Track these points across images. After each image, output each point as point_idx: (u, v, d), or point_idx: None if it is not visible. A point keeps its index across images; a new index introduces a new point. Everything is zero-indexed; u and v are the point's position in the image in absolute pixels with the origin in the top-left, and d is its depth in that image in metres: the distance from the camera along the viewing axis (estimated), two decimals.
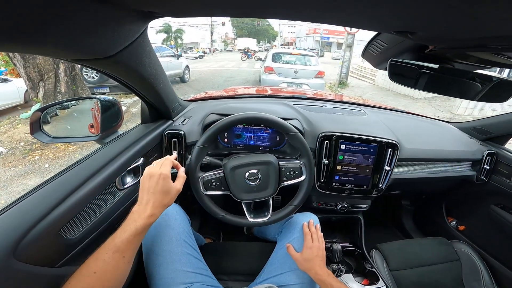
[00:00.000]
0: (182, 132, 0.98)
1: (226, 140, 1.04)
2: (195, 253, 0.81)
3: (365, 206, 1.21)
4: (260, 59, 15.37)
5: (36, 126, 0.78)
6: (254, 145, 1.05)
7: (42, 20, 0.33)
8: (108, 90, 6.06)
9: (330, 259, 1.10)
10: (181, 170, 0.72)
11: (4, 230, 0.44)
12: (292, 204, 0.88)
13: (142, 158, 0.84)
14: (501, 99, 0.61)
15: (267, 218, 0.85)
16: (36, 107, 4.51)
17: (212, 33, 39.61)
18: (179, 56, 8.60)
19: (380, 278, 1.05)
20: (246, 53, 21.20)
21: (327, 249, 0.98)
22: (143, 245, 0.78)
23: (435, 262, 1.15)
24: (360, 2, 0.32)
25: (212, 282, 0.80)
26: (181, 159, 1.00)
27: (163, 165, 0.65)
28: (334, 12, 0.38)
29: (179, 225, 0.82)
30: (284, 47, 31.71)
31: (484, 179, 1.22)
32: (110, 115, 0.87)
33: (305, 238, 0.87)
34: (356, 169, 1.05)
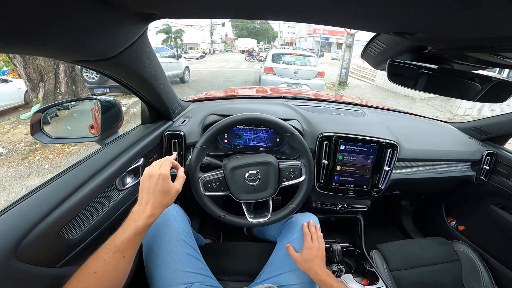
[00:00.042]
0: (182, 133, 0.98)
1: (226, 140, 1.04)
2: (195, 253, 0.82)
3: (364, 206, 1.21)
4: (261, 60, 15.41)
5: (37, 126, 0.78)
6: (254, 145, 1.05)
7: (42, 21, 0.33)
8: (108, 90, 6.06)
9: (330, 259, 1.10)
10: (181, 171, 0.72)
11: (5, 230, 0.44)
12: (291, 205, 0.88)
13: (142, 159, 0.84)
14: (500, 99, 0.61)
15: (267, 218, 0.86)
16: (36, 107, 4.51)
17: (212, 34, 39.65)
18: (179, 56, 8.60)
19: (380, 278, 1.06)
20: (250, 53, 21.33)
21: (327, 249, 0.98)
22: (144, 245, 0.78)
23: (435, 262, 1.15)
24: (358, 4, 0.33)
25: (212, 282, 0.80)
26: (181, 159, 1.00)
27: (163, 165, 0.65)
28: (332, 13, 0.38)
29: (179, 225, 0.83)
30: (284, 48, 31.75)
31: (484, 179, 1.23)
32: (110, 116, 0.87)
33: (304, 239, 0.87)
34: (355, 170, 1.05)
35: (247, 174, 0.83)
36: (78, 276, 0.49)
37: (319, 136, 1.02)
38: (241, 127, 1.03)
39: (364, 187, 1.08)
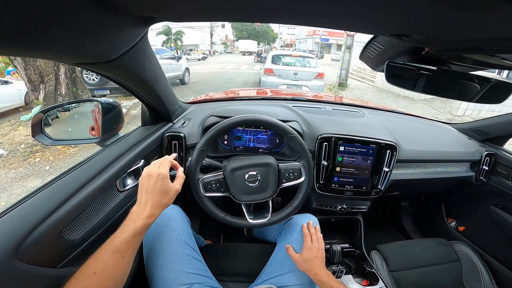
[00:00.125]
0: (182, 134, 0.99)
1: (226, 142, 1.04)
2: (195, 254, 0.82)
3: (364, 207, 1.21)
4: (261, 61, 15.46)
5: (38, 128, 0.78)
6: (253, 147, 1.05)
7: (45, 25, 0.33)
8: (108, 92, 6.07)
9: (330, 260, 1.11)
10: (180, 170, 0.71)
11: (7, 231, 0.45)
12: (291, 205, 0.89)
13: (142, 160, 0.84)
14: (498, 100, 0.62)
15: (266, 219, 0.86)
16: (36, 109, 4.53)
17: (212, 35, 39.74)
18: (179, 58, 8.61)
19: (380, 279, 1.06)
20: (259, 55, 21.39)
21: (326, 250, 0.99)
22: (144, 246, 0.79)
23: (435, 262, 1.15)
24: (355, 7, 0.33)
25: (212, 283, 0.80)
26: (181, 161, 1.01)
27: (162, 165, 0.64)
28: (330, 16, 0.39)
29: (179, 226, 0.83)
30: (284, 49, 31.81)
31: (483, 180, 1.23)
32: (111, 118, 0.88)
33: (304, 239, 0.87)
34: (355, 171, 1.05)
35: (247, 175, 0.84)
36: (78, 277, 0.49)
37: (319, 137, 1.02)
38: (241, 128, 1.03)
39: (364, 188, 1.08)
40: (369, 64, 0.76)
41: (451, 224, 1.48)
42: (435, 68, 0.56)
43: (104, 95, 5.96)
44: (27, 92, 4.96)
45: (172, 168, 0.69)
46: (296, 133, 0.87)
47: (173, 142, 0.99)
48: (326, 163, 1.03)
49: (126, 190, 0.77)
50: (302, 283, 0.81)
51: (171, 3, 0.38)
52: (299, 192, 0.89)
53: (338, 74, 9.35)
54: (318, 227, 0.93)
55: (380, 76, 9.85)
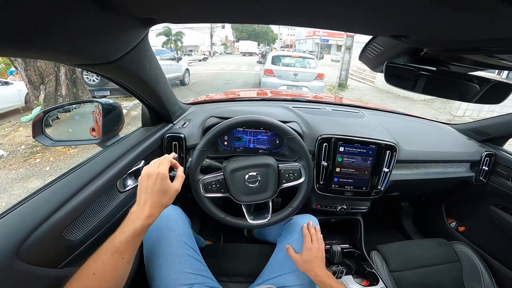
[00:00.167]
0: (182, 135, 0.99)
1: (226, 143, 1.04)
2: (195, 254, 0.82)
3: (364, 207, 1.22)
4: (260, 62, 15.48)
5: (38, 129, 0.79)
6: (253, 147, 1.06)
7: (45, 26, 0.34)
8: (108, 93, 6.08)
9: (330, 261, 1.11)
10: (180, 170, 0.70)
11: (8, 231, 0.45)
12: (291, 206, 0.89)
13: (143, 161, 0.85)
14: (497, 100, 0.62)
15: (266, 219, 0.86)
16: (37, 110, 4.53)
17: (212, 36, 39.79)
18: (179, 59, 8.63)
19: (380, 279, 1.06)
20: (264, 56, 21.50)
21: (326, 251, 0.99)
22: (144, 246, 0.79)
23: (435, 263, 1.15)
24: (355, 8, 0.34)
25: (212, 283, 0.80)
26: (182, 161, 1.01)
27: (161, 164, 0.64)
28: (329, 17, 0.39)
29: (179, 227, 0.83)
30: (284, 50, 31.84)
31: (483, 180, 1.23)
32: (111, 119, 0.88)
33: (304, 240, 0.87)
34: (355, 171, 1.06)
35: (247, 176, 0.84)
36: (77, 277, 0.49)
37: (318, 138, 1.03)
38: (241, 129, 1.03)
39: (364, 188, 1.08)
40: (368, 65, 0.76)
41: (451, 224, 1.48)
42: (434, 68, 0.56)
43: (104, 96, 5.97)
44: (28, 93, 4.96)
45: (172, 168, 0.69)
46: (296, 133, 0.88)
47: (173, 143, 0.99)
48: (326, 163, 1.03)
49: (126, 191, 0.77)
50: (302, 283, 0.81)
51: (171, 5, 0.38)
52: (299, 192, 0.89)
53: (338, 75, 9.36)
54: (318, 227, 0.93)
55: (380, 77, 9.81)
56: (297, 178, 0.87)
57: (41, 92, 4.47)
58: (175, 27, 28.44)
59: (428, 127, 1.39)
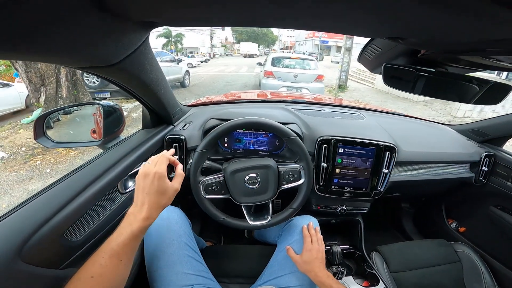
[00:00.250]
0: (182, 137, 1.00)
1: (226, 144, 1.05)
2: (196, 255, 0.82)
3: (364, 208, 1.22)
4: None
5: (40, 131, 0.79)
6: (253, 149, 1.06)
7: (48, 30, 0.34)
8: (109, 95, 6.09)
9: (330, 262, 1.11)
10: (179, 168, 0.66)
11: (10, 232, 0.46)
12: (291, 207, 0.89)
13: (143, 163, 0.85)
14: (496, 101, 0.62)
15: (267, 221, 0.87)
16: (37, 112, 4.54)
17: (212, 38, 39.90)
18: (179, 60, 8.64)
19: (380, 280, 1.06)
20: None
21: (327, 252, 0.99)
22: (145, 247, 0.79)
23: (436, 263, 1.15)
24: (352, 11, 0.34)
25: (213, 284, 0.80)
26: (182, 163, 1.01)
27: (159, 162, 0.60)
28: (326, 20, 0.40)
29: (180, 228, 0.84)
30: (283, 51, 31.91)
31: (483, 180, 1.23)
32: (112, 121, 0.89)
33: (304, 241, 0.87)
34: (354, 172, 1.06)
35: (247, 177, 0.84)
36: (75, 281, 0.48)
37: (318, 139, 1.03)
38: (241, 131, 1.04)
39: (363, 189, 1.09)
40: (367, 66, 0.76)
41: (451, 225, 1.48)
42: (433, 70, 0.56)
43: (105, 98, 5.99)
44: (28, 95, 4.98)
45: (172, 167, 0.67)
46: (296, 135, 0.88)
47: (174, 144, 0.99)
48: (325, 165, 1.04)
49: (127, 192, 0.78)
50: (302, 284, 0.81)
51: (172, 9, 0.39)
52: (299, 193, 0.90)
53: (337, 76, 9.37)
54: (318, 228, 0.94)
55: (380, 78, 9.63)
56: (297, 179, 0.88)
57: (42, 94, 4.48)
58: (175, 29, 28.49)
59: (428, 128, 1.39)
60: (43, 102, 4.49)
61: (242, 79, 11.56)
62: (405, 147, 1.11)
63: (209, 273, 0.84)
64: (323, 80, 6.00)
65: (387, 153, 1.04)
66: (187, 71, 9.11)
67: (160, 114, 0.99)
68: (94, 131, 0.91)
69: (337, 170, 1.05)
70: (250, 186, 0.85)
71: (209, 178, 0.84)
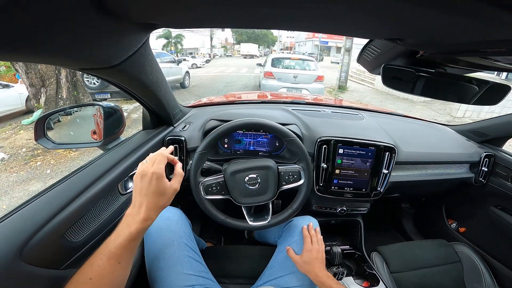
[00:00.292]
0: (183, 138, 1.00)
1: (226, 145, 1.05)
2: (196, 256, 0.83)
3: (364, 209, 1.22)
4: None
5: (40, 132, 0.80)
6: (253, 150, 1.06)
7: (48, 31, 0.35)
8: (109, 96, 6.10)
9: (330, 262, 1.11)
10: (178, 167, 0.64)
11: (11, 233, 0.46)
12: (291, 208, 0.89)
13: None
14: (494, 101, 0.62)
15: (267, 221, 0.87)
16: (38, 113, 4.55)
17: (212, 39, 39.94)
18: (179, 61, 8.66)
19: (380, 280, 1.06)
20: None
21: (327, 252, 0.99)
22: (145, 248, 0.79)
23: (436, 264, 1.15)
24: (350, 12, 0.34)
25: (213, 285, 0.80)
26: (182, 164, 1.01)
27: (156, 161, 0.57)
28: (324, 22, 0.40)
29: (180, 228, 0.84)
30: (283, 52, 31.95)
31: (483, 181, 1.23)
32: (112, 122, 0.89)
33: (304, 241, 0.88)
34: (354, 173, 1.06)
35: (247, 178, 0.84)
36: (74, 281, 0.47)
37: (318, 140, 1.03)
38: (241, 132, 1.04)
39: (363, 190, 1.09)
40: (366, 67, 0.77)
41: (451, 225, 1.48)
42: (433, 70, 0.57)
43: (105, 99, 6.00)
44: (28, 96, 4.98)
45: (172, 167, 0.66)
46: (295, 136, 0.88)
47: (173, 145, 1.00)
48: (325, 165, 1.04)
49: (128, 193, 0.78)
50: (303, 284, 0.81)
51: (172, 11, 0.39)
52: (299, 194, 0.90)
53: (337, 77, 9.37)
54: (318, 229, 0.94)
55: (380, 79, 9.82)
56: (296, 180, 0.88)
57: (42, 95, 4.49)
58: (175, 30, 28.52)
59: (427, 129, 1.40)
60: (44, 103, 4.50)
61: (242, 80, 11.57)
62: (404, 148, 1.11)
63: (209, 274, 0.84)
64: (323, 80, 6.01)
65: (387, 153, 1.04)
66: (187, 72, 9.12)
67: (160, 115, 0.99)
68: (94, 132, 0.91)
69: (337, 171, 1.05)
70: (250, 187, 0.85)
71: (209, 179, 0.85)
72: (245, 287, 0.89)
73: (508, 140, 1.31)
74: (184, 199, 1.32)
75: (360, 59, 0.75)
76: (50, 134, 0.82)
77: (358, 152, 1.04)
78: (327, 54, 40.49)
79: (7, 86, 5.59)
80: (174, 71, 8.07)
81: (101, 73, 0.57)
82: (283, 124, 0.91)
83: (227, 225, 0.86)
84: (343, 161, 1.04)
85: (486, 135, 1.29)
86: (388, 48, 0.58)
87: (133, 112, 5.54)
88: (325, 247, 0.91)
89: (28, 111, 5.52)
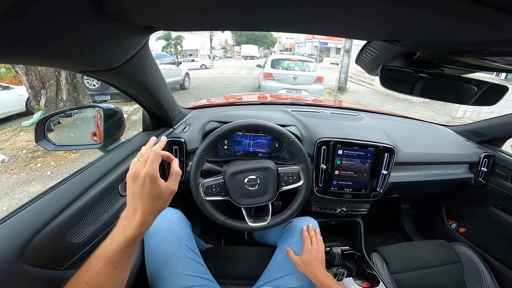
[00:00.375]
0: (182, 140, 1.00)
1: (226, 147, 1.05)
2: (196, 257, 0.83)
3: (364, 210, 1.22)
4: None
5: (41, 134, 0.80)
6: (253, 151, 1.06)
7: (48, 34, 0.35)
8: (109, 97, 6.11)
9: (330, 263, 1.11)
10: (175, 164, 0.57)
11: (12, 234, 0.46)
12: (290, 209, 0.90)
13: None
14: (492, 102, 0.63)
15: (266, 222, 0.87)
16: (38, 114, 4.55)
17: (211, 40, 40.03)
18: (179, 63, 8.67)
19: (380, 281, 1.06)
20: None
21: (327, 253, 0.99)
22: (145, 249, 0.80)
23: (436, 264, 1.15)
24: (348, 14, 0.35)
25: (213, 286, 0.81)
26: (182, 166, 1.02)
27: (149, 161, 0.51)
28: (321, 24, 0.40)
29: (180, 229, 0.84)
30: (283, 53, 31.99)
31: (482, 181, 1.24)
32: (112, 123, 0.89)
33: (304, 242, 0.88)
34: (353, 174, 1.06)
35: (246, 179, 0.85)
36: (72, 285, 0.46)
37: (317, 141, 1.04)
38: (241, 133, 1.04)
39: (363, 190, 1.09)
40: (365, 68, 0.77)
41: (451, 225, 1.48)
42: (431, 71, 0.57)
43: (105, 101, 6.00)
44: (28, 97, 4.99)
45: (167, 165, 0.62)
46: (295, 137, 0.89)
47: (173, 147, 1.00)
48: (325, 166, 1.04)
49: None
50: (302, 285, 0.82)
51: (171, 14, 0.40)
52: (298, 195, 0.90)
53: (337, 78, 9.38)
54: (318, 229, 0.94)
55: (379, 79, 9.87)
56: (296, 181, 0.88)
57: (42, 96, 4.49)
58: (175, 32, 28.53)
59: (426, 129, 1.40)
60: (44, 104, 4.50)
61: (242, 81, 11.58)
62: (404, 148, 1.11)
63: (209, 275, 0.84)
64: (323, 82, 6.02)
65: (386, 154, 1.04)
66: (187, 74, 9.14)
67: (160, 117, 1.00)
68: (94, 134, 0.91)
69: (336, 172, 1.06)
70: (250, 188, 0.85)
71: (209, 180, 0.85)
72: None
73: (508, 140, 1.32)
74: (185, 201, 1.32)
75: (358, 60, 0.75)
76: (50, 136, 0.83)
77: (357, 153, 1.04)
78: (327, 55, 40.57)
79: (7, 87, 5.60)
80: (174, 73, 8.08)
81: (101, 75, 0.58)
82: (283, 126, 0.91)
83: (227, 226, 0.86)
84: (343, 162, 1.05)
85: (485, 136, 1.29)
86: (386, 49, 0.58)
87: (133, 113, 5.55)
88: (325, 247, 0.91)
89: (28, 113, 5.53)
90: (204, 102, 1.62)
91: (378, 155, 1.04)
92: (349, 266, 1.22)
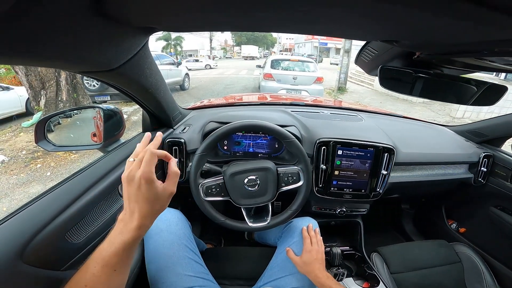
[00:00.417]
0: (182, 140, 1.00)
1: (225, 147, 1.06)
2: (196, 257, 0.83)
3: (363, 210, 1.22)
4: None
5: (41, 134, 0.80)
6: (253, 152, 1.07)
7: (48, 35, 0.35)
8: (108, 98, 6.11)
9: (330, 263, 1.11)
10: (173, 164, 0.54)
11: (12, 234, 0.46)
12: (290, 209, 0.90)
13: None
14: (491, 102, 0.63)
15: (266, 222, 0.87)
16: (38, 115, 4.55)
17: (211, 41, 40.04)
18: (178, 63, 8.68)
19: (380, 281, 1.06)
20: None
21: (327, 253, 0.99)
22: (145, 249, 0.80)
23: (436, 264, 1.15)
24: (347, 14, 0.35)
25: (213, 286, 0.81)
26: (182, 166, 1.02)
27: (144, 162, 0.48)
28: (322, 24, 0.40)
29: (180, 230, 0.84)
30: (282, 53, 31.99)
31: (482, 181, 1.24)
32: (112, 124, 0.89)
33: (304, 242, 0.88)
34: (353, 174, 1.06)
35: (246, 180, 0.85)
36: (71, 287, 0.45)
37: (317, 141, 1.04)
38: (241, 134, 1.05)
39: (363, 191, 1.09)
40: (364, 68, 0.77)
41: (451, 226, 1.48)
42: (431, 71, 0.57)
43: (105, 101, 6.01)
44: (28, 98, 4.98)
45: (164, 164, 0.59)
46: (294, 137, 0.89)
47: (173, 147, 1.00)
48: (324, 167, 1.04)
49: None
50: (302, 285, 0.82)
51: (171, 15, 0.40)
52: (298, 195, 0.90)
53: (337, 78, 9.39)
54: (317, 230, 0.94)
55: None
56: (296, 181, 0.88)
57: (42, 97, 4.49)
58: (174, 32, 28.53)
59: (426, 129, 1.40)
60: (43, 105, 4.50)
61: (241, 81, 11.58)
62: (403, 149, 1.11)
63: (209, 275, 0.84)
64: (323, 82, 6.02)
65: (386, 154, 1.04)
66: (187, 74, 9.14)
67: (159, 118, 1.00)
68: (94, 135, 0.91)
69: (336, 172, 1.06)
70: (250, 188, 0.85)
71: (209, 181, 0.85)
72: None
73: (508, 140, 1.32)
74: (185, 201, 1.32)
75: (358, 61, 0.75)
76: (50, 136, 0.83)
77: (357, 153, 1.04)
78: (327, 56, 40.60)
79: (7, 88, 5.60)
80: (173, 73, 8.08)
81: (100, 76, 0.58)
82: (282, 126, 0.91)
83: (227, 226, 0.86)
84: (342, 162, 1.05)
85: (485, 136, 1.29)
86: (385, 49, 0.58)
87: (133, 114, 5.55)
88: (325, 248, 0.91)
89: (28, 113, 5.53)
90: (204, 102, 1.62)
91: (377, 155, 1.04)
92: (349, 266, 1.22)
